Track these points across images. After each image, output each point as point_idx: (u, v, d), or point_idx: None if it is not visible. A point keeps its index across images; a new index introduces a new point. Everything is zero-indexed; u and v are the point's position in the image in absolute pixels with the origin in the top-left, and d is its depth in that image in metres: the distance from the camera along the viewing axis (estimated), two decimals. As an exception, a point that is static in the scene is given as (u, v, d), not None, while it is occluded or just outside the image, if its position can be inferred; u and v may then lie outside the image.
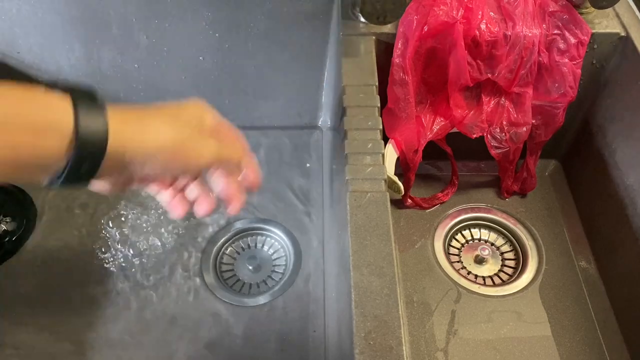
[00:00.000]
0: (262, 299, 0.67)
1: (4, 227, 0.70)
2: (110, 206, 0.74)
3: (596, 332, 0.66)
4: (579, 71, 0.64)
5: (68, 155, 0.33)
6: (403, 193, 0.68)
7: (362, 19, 0.65)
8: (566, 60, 0.64)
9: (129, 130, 0.36)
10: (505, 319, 0.67)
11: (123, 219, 0.73)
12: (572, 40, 0.63)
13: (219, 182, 0.43)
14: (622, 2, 0.67)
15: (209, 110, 0.42)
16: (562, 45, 0.63)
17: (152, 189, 0.44)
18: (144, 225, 0.72)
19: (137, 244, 0.70)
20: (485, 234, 0.75)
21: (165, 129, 0.38)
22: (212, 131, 0.41)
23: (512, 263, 0.73)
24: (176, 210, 0.45)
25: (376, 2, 0.61)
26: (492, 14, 0.63)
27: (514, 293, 0.69)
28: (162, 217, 0.73)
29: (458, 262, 0.72)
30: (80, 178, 0.35)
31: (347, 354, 0.46)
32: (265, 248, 0.72)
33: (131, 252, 0.70)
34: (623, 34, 0.65)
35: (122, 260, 0.69)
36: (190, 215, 0.70)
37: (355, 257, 0.48)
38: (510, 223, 0.75)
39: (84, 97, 0.35)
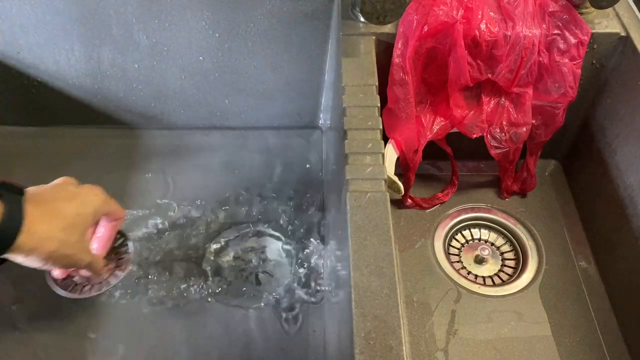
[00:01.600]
0: (262, 299, 0.67)
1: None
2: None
3: (596, 332, 0.66)
4: (579, 71, 0.64)
5: None
6: (403, 193, 0.68)
7: (362, 19, 0.65)
8: (566, 60, 0.64)
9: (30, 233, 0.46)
10: (505, 319, 0.67)
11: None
12: (572, 40, 0.63)
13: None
14: (622, 2, 0.67)
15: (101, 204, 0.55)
16: (562, 45, 0.63)
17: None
18: (144, 224, 0.72)
19: (137, 243, 0.70)
20: (485, 234, 0.75)
21: (56, 239, 0.49)
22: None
23: (512, 263, 0.73)
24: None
25: (376, 2, 0.61)
26: (492, 14, 0.63)
27: (514, 293, 0.69)
28: (162, 216, 0.73)
29: (458, 262, 0.72)
30: None
31: (347, 354, 0.46)
32: (265, 247, 0.72)
33: (131, 251, 0.70)
34: (623, 34, 0.65)
35: (122, 260, 0.69)
36: (190, 215, 0.70)
37: (355, 257, 0.48)
38: (510, 223, 0.75)
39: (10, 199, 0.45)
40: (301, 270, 0.69)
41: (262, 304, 0.66)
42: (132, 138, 0.82)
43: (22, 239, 0.45)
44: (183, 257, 0.70)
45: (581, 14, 0.64)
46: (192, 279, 0.68)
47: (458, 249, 0.74)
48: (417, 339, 0.65)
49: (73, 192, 0.53)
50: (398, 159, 0.68)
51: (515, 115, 0.68)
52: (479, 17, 0.62)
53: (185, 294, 0.67)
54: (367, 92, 0.60)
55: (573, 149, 0.79)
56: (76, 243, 0.51)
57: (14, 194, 0.46)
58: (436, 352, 0.64)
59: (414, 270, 0.70)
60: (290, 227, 0.73)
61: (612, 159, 0.70)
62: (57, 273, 0.57)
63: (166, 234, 0.71)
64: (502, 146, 0.70)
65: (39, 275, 0.60)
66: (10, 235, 0.44)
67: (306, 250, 0.70)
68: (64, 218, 0.49)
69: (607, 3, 0.64)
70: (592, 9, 0.66)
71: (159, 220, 0.72)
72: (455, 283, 0.69)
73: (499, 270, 0.72)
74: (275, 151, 0.81)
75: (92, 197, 0.55)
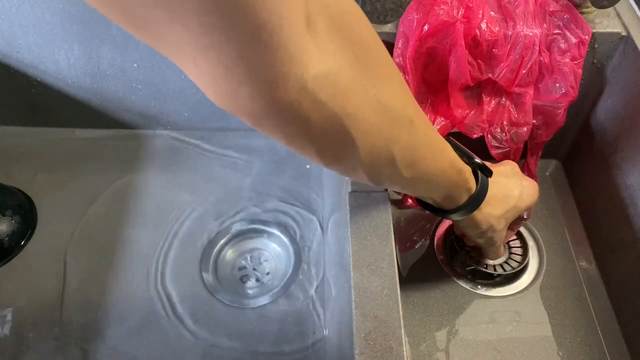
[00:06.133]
0: (262, 300, 0.66)
1: (4, 227, 0.70)
2: (112, 209, 0.74)
3: (597, 333, 0.66)
4: (580, 71, 0.64)
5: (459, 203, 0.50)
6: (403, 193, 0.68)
7: (362, 19, 0.64)
8: (567, 59, 0.63)
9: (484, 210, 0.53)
10: (506, 319, 0.67)
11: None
12: (573, 39, 0.63)
13: None
14: (623, 1, 0.67)
15: (532, 205, 0.59)
16: (563, 45, 0.63)
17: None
18: (144, 225, 0.72)
19: (137, 244, 0.70)
20: (485, 234, 0.75)
21: (495, 221, 0.55)
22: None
23: (515, 260, 0.72)
24: None
25: (376, 1, 0.61)
26: (492, 13, 0.63)
27: (514, 293, 0.69)
28: (162, 217, 0.73)
29: (459, 261, 0.72)
30: (451, 215, 0.51)
31: (347, 355, 0.46)
32: (266, 249, 0.72)
33: (132, 252, 0.70)
34: (624, 33, 0.65)
35: (121, 260, 0.69)
36: (190, 215, 0.70)
37: (355, 257, 0.48)
38: (510, 223, 0.75)
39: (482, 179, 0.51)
40: (301, 270, 0.69)
41: (262, 304, 0.66)
42: (131, 138, 0.81)
43: (475, 212, 0.52)
44: (182, 256, 0.70)
45: (582, 13, 0.64)
46: (192, 277, 0.68)
47: (459, 248, 0.73)
48: (417, 339, 0.65)
49: (519, 185, 0.56)
50: (398, 158, 0.68)
51: (516, 115, 0.68)
52: (480, 16, 0.61)
53: (186, 292, 0.67)
54: (367, 91, 0.59)
55: (574, 148, 0.79)
56: (500, 230, 0.57)
57: (486, 176, 0.52)
58: (436, 353, 0.64)
59: (415, 270, 0.70)
60: (290, 227, 0.72)
61: (613, 158, 0.69)
62: (466, 240, 0.67)
63: (167, 233, 0.71)
64: (502, 146, 0.70)
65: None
66: (473, 208, 0.51)
67: (306, 250, 0.70)
68: (504, 207, 0.54)
69: (608, 2, 0.64)
70: (593, 8, 0.65)
71: (159, 220, 0.72)
72: (456, 283, 0.69)
73: (502, 268, 0.72)
74: (274, 151, 0.81)
75: (530, 195, 0.57)
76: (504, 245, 0.71)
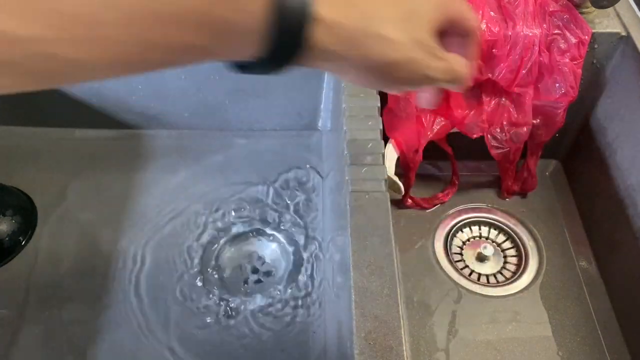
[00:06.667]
0: (261, 300, 0.66)
1: (4, 227, 0.70)
2: (112, 209, 0.74)
3: (597, 333, 0.66)
4: (579, 71, 0.64)
5: (266, 27, 0.25)
6: (403, 193, 0.68)
7: (362, 19, 0.65)
8: (567, 60, 0.63)
9: (341, 14, 0.27)
10: (506, 319, 0.67)
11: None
12: (573, 40, 0.63)
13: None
14: (622, 1, 0.67)
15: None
16: (562, 45, 0.63)
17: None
18: (144, 225, 0.72)
19: (138, 245, 0.70)
20: (485, 231, 0.75)
21: (389, 27, 0.29)
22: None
23: (514, 260, 0.73)
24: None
25: (376, 1, 0.61)
26: (492, 13, 0.63)
27: (514, 293, 0.69)
28: (162, 218, 0.73)
29: (460, 261, 0.72)
30: (280, 58, 0.27)
31: (347, 355, 0.46)
32: (265, 248, 0.72)
33: (132, 253, 0.70)
34: (624, 33, 0.65)
35: (123, 261, 0.69)
36: (189, 216, 0.70)
37: (355, 257, 0.48)
38: (510, 223, 0.75)
39: None
40: (301, 270, 0.69)
41: (261, 304, 0.66)
42: (131, 139, 0.81)
43: (317, 33, 0.27)
44: (182, 257, 0.70)
45: (582, 13, 0.64)
46: (191, 276, 0.68)
47: (460, 247, 0.74)
48: (417, 339, 0.65)
49: None
50: (398, 159, 0.68)
51: (516, 115, 0.68)
52: (479, 16, 0.61)
53: (185, 294, 0.67)
54: (367, 91, 0.59)
55: (574, 149, 0.79)
56: (413, 48, 0.30)
57: None
58: (436, 353, 0.64)
59: (415, 270, 0.70)
60: (289, 228, 0.72)
61: (612, 159, 0.70)
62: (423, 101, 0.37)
63: (166, 234, 0.71)
64: (502, 146, 0.70)
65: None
66: (292, 30, 0.26)
67: (306, 250, 0.70)
68: (397, 5, 0.30)
69: (607, 3, 0.64)
70: (593, 8, 0.66)
71: (159, 220, 0.72)
72: (456, 283, 0.69)
73: (500, 270, 0.72)
74: (275, 151, 0.81)
75: None
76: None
